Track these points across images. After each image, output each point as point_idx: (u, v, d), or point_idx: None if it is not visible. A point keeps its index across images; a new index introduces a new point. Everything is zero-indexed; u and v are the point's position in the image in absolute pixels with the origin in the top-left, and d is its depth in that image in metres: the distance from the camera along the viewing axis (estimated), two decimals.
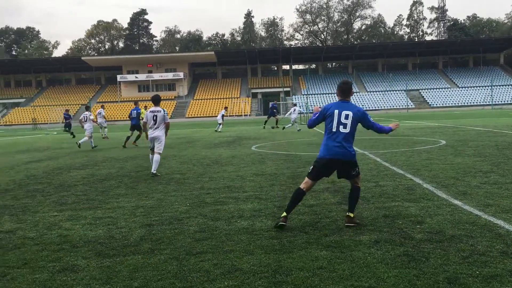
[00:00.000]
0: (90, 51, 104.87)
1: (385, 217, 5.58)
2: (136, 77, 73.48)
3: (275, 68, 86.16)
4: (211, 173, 9.94)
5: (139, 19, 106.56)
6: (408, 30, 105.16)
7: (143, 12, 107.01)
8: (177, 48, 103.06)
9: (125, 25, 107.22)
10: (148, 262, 4.24)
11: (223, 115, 28.70)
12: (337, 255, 4.23)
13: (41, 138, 28.85)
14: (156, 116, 9.88)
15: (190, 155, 14.13)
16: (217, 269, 3.98)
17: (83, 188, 8.52)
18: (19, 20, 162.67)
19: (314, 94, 70.61)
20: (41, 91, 78.69)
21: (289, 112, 27.19)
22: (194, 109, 68.30)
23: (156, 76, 72.78)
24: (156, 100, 10.10)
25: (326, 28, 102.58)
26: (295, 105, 29.11)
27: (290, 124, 25.79)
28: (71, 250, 4.70)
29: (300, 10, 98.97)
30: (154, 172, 9.78)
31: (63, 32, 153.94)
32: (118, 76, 73.34)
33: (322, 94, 71.50)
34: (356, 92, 71.18)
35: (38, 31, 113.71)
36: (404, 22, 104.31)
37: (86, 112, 18.55)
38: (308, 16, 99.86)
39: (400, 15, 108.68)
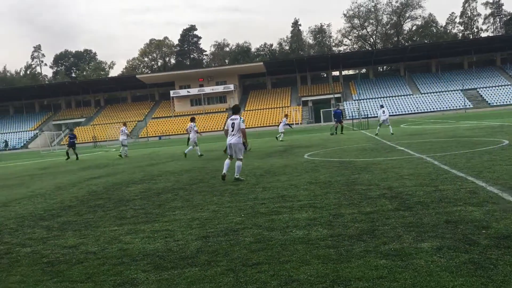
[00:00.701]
0: (143, 69, 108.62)
1: (447, 223, 5.33)
2: (188, 92, 75.21)
3: (325, 75, 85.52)
4: (264, 183, 9.93)
5: (188, 35, 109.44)
6: (461, 28, 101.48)
7: (192, 28, 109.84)
8: (226, 61, 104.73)
9: (176, 42, 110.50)
10: (205, 274, 4.26)
11: (285, 123, 28.74)
12: (398, 264, 4.07)
13: (101, 156, 30.06)
14: (234, 123, 10.68)
15: (243, 165, 14.18)
16: (274, 280, 3.93)
17: (141, 202, 8.74)
18: (77, 44, 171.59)
19: (366, 99, 69.36)
20: (100, 110, 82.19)
21: (380, 114, 25.57)
22: (245, 120, 68.90)
23: (207, 89, 74.18)
24: (236, 110, 11.02)
25: (375, 32, 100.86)
26: (382, 106, 27.29)
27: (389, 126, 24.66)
28: (131, 264, 4.81)
29: (347, 15, 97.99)
30: (237, 176, 10.54)
31: (118, 52, 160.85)
32: (171, 92, 75.38)
33: (374, 98, 70.09)
34: (409, 95, 69.24)
35: (95, 53, 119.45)
36: (457, 20, 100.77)
37: (191, 123, 20.35)
38: (356, 21, 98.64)
39: (453, 13, 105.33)
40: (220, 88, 74.08)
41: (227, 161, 10.99)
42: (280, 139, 27.09)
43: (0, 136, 73.96)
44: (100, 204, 8.97)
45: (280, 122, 28.70)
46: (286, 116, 30.52)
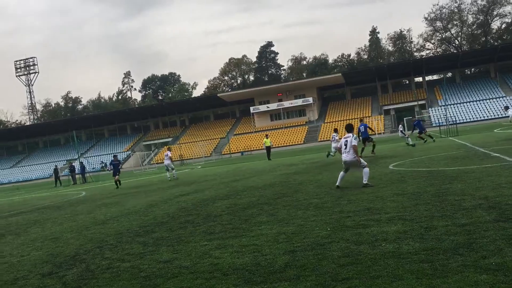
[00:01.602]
0: (224, 88, 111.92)
1: None
2: (268, 107, 76.13)
3: (407, 82, 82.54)
4: (349, 195, 9.76)
5: (266, 52, 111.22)
6: None
7: (269, 44, 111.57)
8: (304, 74, 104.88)
9: (254, 59, 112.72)
10: None
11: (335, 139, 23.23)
12: (501, 279, 3.81)
13: (188, 173, 31.27)
14: (347, 141, 11.14)
15: (326, 178, 14.06)
16: None
17: (228, 218, 8.96)
18: (163, 68, 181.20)
19: (453, 104, 65.82)
20: (185, 130, 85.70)
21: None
22: (325, 132, 68.22)
23: (286, 103, 74.59)
24: (349, 128, 11.42)
25: (460, 33, 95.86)
26: (507, 107, 25.27)
27: None
28: (222, 278, 4.95)
29: (429, 18, 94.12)
30: (365, 182, 10.86)
31: (200, 73, 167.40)
32: (251, 108, 76.76)
33: (462, 103, 66.34)
34: (502, 97, 64.71)
35: (179, 75, 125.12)
36: None
37: (168, 152, 24.47)
38: (438, 23, 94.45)
39: None
40: (299, 102, 74.15)
41: (341, 174, 11.48)
42: (332, 155, 23.97)
43: (98, 158, 79.59)
44: (190, 220, 9.32)
45: (332, 140, 24.03)
46: (335, 131, 24.55)
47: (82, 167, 39.74)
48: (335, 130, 24.44)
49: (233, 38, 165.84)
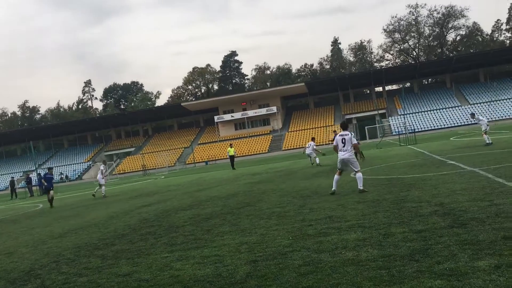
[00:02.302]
0: (188, 97, 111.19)
1: (505, 239, 5.10)
2: (232, 116, 76.19)
3: (368, 91, 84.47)
4: (311, 204, 9.86)
5: (230, 61, 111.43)
6: (509, 35, 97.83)
7: (233, 54, 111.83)
8: (268, 83, 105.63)
9: (218, 68, 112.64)
10: None
11: (314, 147, 24.83)
12: (454, 284, 3.93)
13: (150, 183, 30.81)
14: (344, 139, 10.84)
15: (289, 187, 14.16)
16: None
17: (190, 228, 8.87)
18: (125, 77, 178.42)
19: (411, 113, 67.81)
20: (148, 139, 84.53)
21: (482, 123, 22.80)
22: (289, 141, 68.85)
23: (251, 113, 74.87)
24: (345, 126, 11.28)
25: (417, 44, 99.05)
26: (473, 115, 24.16)
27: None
28: None
29: (387, 30, 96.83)
30: (361, 188, 10.57)
31: (163, 82, 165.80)
32: (215, 117, 76.61)
33: (420, 112, 68.42)
34: (457, 106, 67.16)
35: (141, 85, 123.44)
36: (504, 26, 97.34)
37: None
38: (397, 35, 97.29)
39: (498, 20, 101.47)
40: (263, 111, 74.57)
41: (336, 177, 11.16)
42: (317, 163, 23.73)
43: (57, 169, 77.33)
44: (151, 231, 9.17)
45: (307, 147, 25.09)
46: (313, 139, 26.34)
47: (40, 178, 38.45)
48: (313, 139, 25.72)
49: (196, 48, 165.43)
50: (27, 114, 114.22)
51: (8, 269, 7.32)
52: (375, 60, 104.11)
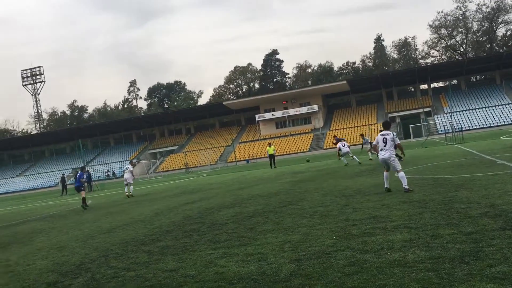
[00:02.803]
0: (229, 96, 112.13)
1: None
2: (273, 115, 76.22)
3: (412, 89, 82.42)
4: (354, 203, 9.73)
5: (271, 60, 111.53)
6: None
7: (274, 52, 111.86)
8: (309, 82, 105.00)
9: (259, 67, 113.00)
10: None
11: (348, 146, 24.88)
12: None
13: (193, 181, 31.29)
14: (386, 138, 10.70)
15: (331, 186, 14.03)
16: None
17: (233, 226, 8.95)
18: (168, 76, 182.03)
19: (459, 111, 65.61)
20: (190, 138, 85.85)
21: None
22: (331, 140, 68.13)
23: (292, 111, 74.65)
24: (387, 125, 11.09)
25: (465, 40, 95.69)
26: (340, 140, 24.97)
27: None
28: (227, 287, 4.94)
29: (433, 26, 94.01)
30: (406, 187, 10.42)
31: (205, 81, 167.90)
32: (256, 116, 76.87)
33: (467, 110, 66.09)
34: (508, 104, 64.43)
35: (184, 84, 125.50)
36: None
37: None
38: (443, 31, 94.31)
39: None
40: (304, 110, 74.18)
41: (385, 174, 11.07)
42: (358, 160, 23.70)
43: (103, 166, 79.82)
44: (195, 228, 9.32)
45: (342, 146, 24.36)
46: (343, 139, 26.95)
47: (88, 175, 39.83)
48: (342, 139, 26.15)
49: (237, 47, 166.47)
50: (76, 113, 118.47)
51: (60, 263, 7.63)
52: (420, 57, 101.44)
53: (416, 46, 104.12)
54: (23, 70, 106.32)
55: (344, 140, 27.31)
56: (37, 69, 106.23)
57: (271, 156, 33.95)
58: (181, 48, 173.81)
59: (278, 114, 75.81)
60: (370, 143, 25.75)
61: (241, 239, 7.49)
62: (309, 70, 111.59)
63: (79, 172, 20.89)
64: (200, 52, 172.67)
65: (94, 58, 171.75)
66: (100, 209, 17.43)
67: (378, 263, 5.03)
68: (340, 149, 24.49)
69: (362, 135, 29.72)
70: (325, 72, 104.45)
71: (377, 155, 11.58)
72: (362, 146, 29.50)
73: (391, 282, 4.36)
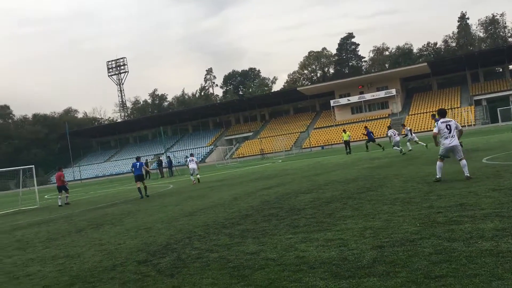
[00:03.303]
0: (303, 81, 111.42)
1: None
2: (348, 100, 74.74)
3: (501, 70, 76.89)
4: (438, 190, 9.32)
5: (346, 43, 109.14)
6: None
7: (350, 36, 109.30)
8: (386, 65, 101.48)
9: (334, 51, 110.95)
10: (385, 285, 4.18)
11: (409, 130, 25.40)
12: None
13: (269, 167, 31.61)
14: (449, 125, 10.58)
15: (412, 173, 13.53)
16: None
17: (311, 211, 8.94)
18: (242, 64, 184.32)
19: None
20: (265, 124, 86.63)
21: None
22: (410, 125, 65.59)
23: (368, 96, 72.74)
24: (444, 112, 10.98)
25: None
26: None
27: None
28: (309, 271, 4.96)
29: None
30: (468, 175, 10.37)
31: (279, 67, 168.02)
32: (331, 101, 75.81)
33: None
34: None
35: (258, 71, 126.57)
36: None
37: (192, 157, 23.68)
38: None
39: None
40: (381, 94, 71.96)
41: (439, 164, 10.82)
42: (409, 149, 24.19)
43: (182, 152, 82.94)
44: (273, 213, 9.43)
45: (394, 135, 24.30)
46: (403, 125, 28.27)
47: (169, 161, 41.60)
48: (389, 127, 26.35)
49: (311, 32, 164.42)
50: (157, 102, 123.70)
51: (147, 242, 8.07)
52: (509, 35, 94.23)
53: (505, 23, 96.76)
54: (109, 61, 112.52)
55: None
56: (121, 60, 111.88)
57: (346, 143, 33.54)
58: (254, 35, 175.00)
59: (353, 99, 74.23)
60: (410, 130, 25.17)
61: (320, 224, 7.47)
62: (387, 52, 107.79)
63: (138, 161, 19.77)
64: (274, 38, 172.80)
65: (173, 48, 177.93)
66: (181, 194, 18.15)
67: (468, 252, 4.80)
68: (391, 137, 24.55)
69: (366, 127, 32.21)
70: (404, 55, 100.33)
71: (436, 144, 11.23)
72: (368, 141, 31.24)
73: (483, 271, 4.15)
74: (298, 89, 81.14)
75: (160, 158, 45.70)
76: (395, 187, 10.82)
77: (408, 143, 25.22)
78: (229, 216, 9.82)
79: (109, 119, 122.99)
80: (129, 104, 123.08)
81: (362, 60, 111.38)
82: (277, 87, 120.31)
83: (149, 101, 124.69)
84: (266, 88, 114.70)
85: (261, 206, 10.82)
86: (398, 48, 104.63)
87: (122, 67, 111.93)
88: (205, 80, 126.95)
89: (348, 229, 6.80)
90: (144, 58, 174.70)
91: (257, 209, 10.40)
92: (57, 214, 16.78)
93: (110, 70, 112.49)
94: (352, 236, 6.30)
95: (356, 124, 71.39)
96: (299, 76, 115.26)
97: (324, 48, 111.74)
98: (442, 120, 10.71)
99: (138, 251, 7.43)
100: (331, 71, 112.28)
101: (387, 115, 71.72)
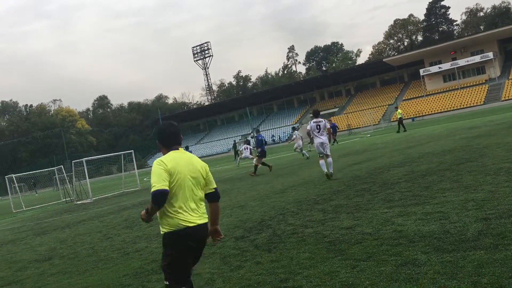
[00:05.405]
0: (390, 52, 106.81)
1: None
2: (440, 68, 70.48)
3: None
4: None
5: (435, 7, 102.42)
6: None
7: None
8: (481, 27, 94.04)
9: (422, 17, 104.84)
10: (494, 258, 3.96)
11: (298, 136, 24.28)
12: None
13: (357, 142, 30.98)
14: (319, 125, 11.97)
15: None
16: None
17: (406, 185, 8.66)
18: (324, 39, 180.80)
19: None
20: (351, 99, 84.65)
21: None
22: (511, 91, 60.55)
23: (462, 62, 68.01)
24: (317, 113, 12.37)
25: None
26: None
27: None
28: (408, 245, 4.84)
29: None
30: (331, 171, 11.78)
31: (363, 39, 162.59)
32: (421, 71, 71.98)
33: None
34: None
35: (341, 44, 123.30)
36: None
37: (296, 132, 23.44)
38: None
39: None
40: (476, 59, 66.88)
41: (321, 162, 12.01)
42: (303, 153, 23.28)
43: (269, 132, 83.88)
44: (366, 188, 9.27)
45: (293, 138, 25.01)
46: (294, 129, 26.72)
47: (257, 140, 42.18)
48: (294, 128, 26.91)
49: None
50: (241, 83, 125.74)
51: (243, 220, 8.34)
52: None
53: None
54: (194, 47, 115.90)
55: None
56: (205, 44, 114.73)
57: (400, 120, 32.45)
58: (335, 8, 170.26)
59: (445, 66, 69.83)
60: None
61: (417, 198, 7.22)
62: (481, 14, 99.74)
63: (258, 135, 20.62)
64: (355, 9, 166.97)
65: (254, 28, 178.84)
66: (270, 172, 18.43)
67: None
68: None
69: (293, 128, 31.32)
70: (501, 14, 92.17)
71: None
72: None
73: None
74: (384, 60, 77.94)
75: (248, 139, 46.56)
76: (498, 156, 10.11)
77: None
78: (321, 192, 9.82)
79: (197, 103, 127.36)
80: (215, 87, 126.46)
81: (454, 24, 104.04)
82: (361, 60, 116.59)
83: (234, 83, 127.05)
84: (350, 62, 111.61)
85: (353, 181, 10.68)
86: (494, 7, 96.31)
87: (206, 52, 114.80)
88: (288, 58, 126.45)
89: (448, 202, 6.51)
90: (227, 40, 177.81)
91: (348, 184, 10.29)
92: None
93: (196, 55, 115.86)
94: (453, 209, 6.02)
95: (449, 92, 67.33)
96: (385, 46, 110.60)
97: (411, 15, 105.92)
98: (314, 120, 12.08)
99: (235, 227, 7.71)
100: (419, 38, 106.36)
101: (484, 81, 66.72)
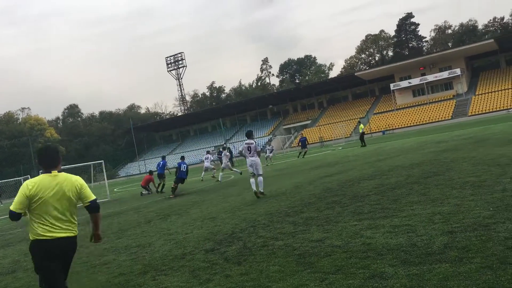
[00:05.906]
0: (361, 66, 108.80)
1: None
2: (410, 83, 72.18)
3: None
4: None
5: (405, 24, 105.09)
6: None
7: (409, 16, 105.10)
8: (449, 44, 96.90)
9: (392, 33, 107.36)
10: (458, 271, 4.04)
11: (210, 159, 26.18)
12: None
13: (329, 154, 31.29)
14: (250, 147, 12.62)
15: (482, 155, 12.90)
16: None
17: (375, 198, 8.78)
18: (298, 52, 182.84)
19: None
20: (323, 111, 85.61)
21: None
22: (477, 106, 62.46)
23: (430, 77, 69.85)
24: (250, 134, 13.13)
25: None
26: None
27: None
28: (376, 258, 4.89)
29: None
30: (262, 190, 12.36)
31: (336, 53, 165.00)
32: (391, 85, 73.53)
33: None
34: None
35: (314, 58, 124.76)
36: None
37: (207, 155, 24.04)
38: None
39: None
40: (444, 75, 68.81)
41: (252, 180, 12.46)
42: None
43: (242, 143, 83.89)
44: (336, 200, 9.35)
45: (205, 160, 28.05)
46: (208, 152, 30.77)
47: (230, 152, 42.18)
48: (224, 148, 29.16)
49: (368, 15, 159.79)
50: (215, 94, 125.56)
51: (213, 232, 8.28)
52: None
53: None
54: (167, 57, 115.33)
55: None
56: (179, 55, 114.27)
57: (361, 135, 35.89)
58: (309, 22, 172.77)
59: (415, 81, 71.59)
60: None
61: (386, 211, 7.32)
62: (449, 31, 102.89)
63: (163, 160, 22.78)
64: (329, 24, 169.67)
65: (228, 40, 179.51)
66: (242, 184, 18.39)
67: None
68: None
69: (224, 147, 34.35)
70: (468, 32, 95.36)
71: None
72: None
73: None
74: (356, 74, 79.33)
75: (220, 150, 46.47)
76: (464, 170, 10.38)
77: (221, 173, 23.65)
78: (292, 205, 9.85)
79: (170, 113, 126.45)
80: (188, 98, 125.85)
81: (423, 40, 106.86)
82: (334, 73, 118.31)
83: (207, 93, 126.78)
84: (323, 75, 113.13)
85: (324, 193, 10.76)
86: (461, 25, 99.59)
87: (180, 62, 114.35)
88: (261, 70, 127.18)
89: (415, 215, 6.62)
90: (200, 51, 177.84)
91: (319, 197, 10.36)
92: (126, 206, 17.58)
93: (169, 65, 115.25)
94: (420, 222, 6.13)
95: (418, 107, 68.92)
96: (357, 61, 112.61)
97: (382, 31, 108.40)
98: (246, 141, 12.79)
99: (205, 240, 7.64)
100: (390, 54, 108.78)
101: (451, 96, 68.65)
